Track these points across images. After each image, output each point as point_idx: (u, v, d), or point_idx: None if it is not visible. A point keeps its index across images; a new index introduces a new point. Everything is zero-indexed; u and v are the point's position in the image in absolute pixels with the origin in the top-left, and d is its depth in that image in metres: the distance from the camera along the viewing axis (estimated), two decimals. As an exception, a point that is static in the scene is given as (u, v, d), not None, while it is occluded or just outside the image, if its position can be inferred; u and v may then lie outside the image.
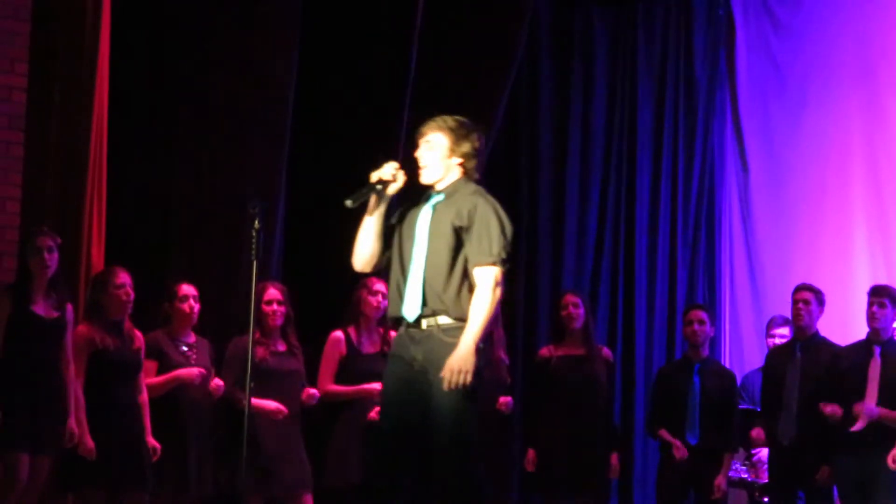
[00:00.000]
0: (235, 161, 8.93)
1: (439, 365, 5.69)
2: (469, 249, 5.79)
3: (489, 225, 5.78)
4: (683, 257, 11.26)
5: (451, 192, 5.94)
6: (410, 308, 5.83)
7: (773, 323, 9.46)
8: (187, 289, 7.83)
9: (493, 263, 5.75)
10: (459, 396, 5.66)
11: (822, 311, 8.66)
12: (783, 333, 9.24)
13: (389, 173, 5.90)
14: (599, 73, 11.29)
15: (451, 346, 5.69)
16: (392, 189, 5.94)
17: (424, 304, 5.79)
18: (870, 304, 8.30)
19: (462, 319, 5.74)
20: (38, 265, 7.15)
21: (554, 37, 11.19)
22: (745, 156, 11.40)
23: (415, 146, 6.05)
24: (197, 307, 7.83)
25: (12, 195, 7.99)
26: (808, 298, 8.61)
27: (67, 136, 8.10)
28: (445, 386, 5.62)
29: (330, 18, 9.54)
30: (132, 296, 7.46)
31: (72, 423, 7.17)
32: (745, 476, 9.24)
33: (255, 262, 6.46)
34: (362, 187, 5.90)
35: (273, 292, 7.97)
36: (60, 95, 8.12)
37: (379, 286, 8.15)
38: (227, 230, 8.72)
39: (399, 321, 5.92)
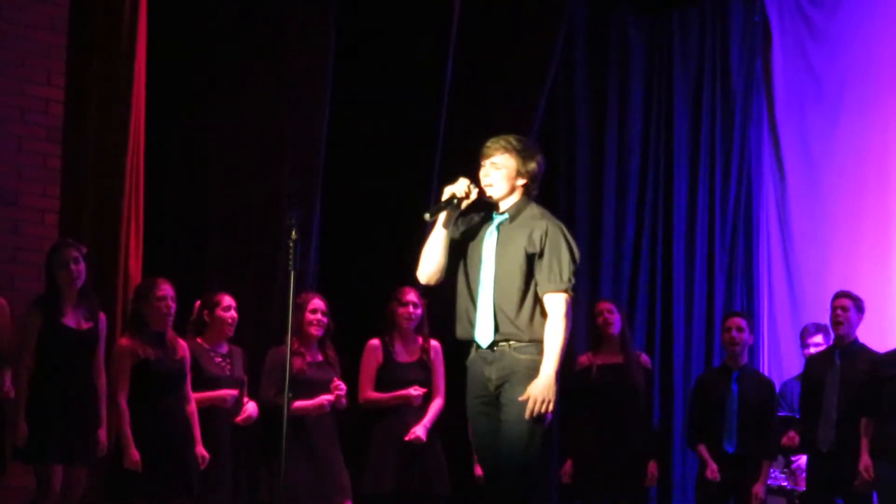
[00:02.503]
0: (272, 173, 8.96)
1: (513, 380, 5.76)
2: (540, 276, 5.81)
3: (560, 251, 5.82)
4: (721, 264, 11.22)
5: (514, 213, 5.95)
6: (483, 334, 5.85)
7: (807, 332, 9.42)
8: (229, 300, 7.84)
9: (565, 290, 5.78)
10: (532, 421, 5.71)
11: (861, 317, 8.63)
12: (817, 342, 9.21)
13: (462, 190, 5.91)
14: (635, 81, 11.29)
15: (525, 362, 5.75)
16: (465, 204, 5.96)
17: (497, 329, 5.82)
18: (912, 311, 8.30)
19: (533, 340, 5.78)
20: (66, 278, 7.16)
21: (590, 45, 11.20)
22: (783, 162, 11.36)
23: (478, 166, 6.03)
24: (236, 318, 7.86)
25: (51, 207, 8.03)
26: (847, 305, 8.58)
27: (105, 147, 8.13)
28: (528, 413, 5.68)
29: (365, 27, 9.56)
30: (173, 308, 7.47)
31: (102, 433, 7.20)
32: (784, 484, 9.21)
33: (292, 272, 6.48)
34: (440, 202, 5.92)
35: (318, 303, 7.96)
36: (98, 107, 8.16)
37: (410, 296, 8.16)
38: (263, 241, 8.73)
39: (469, 344, 5.95)
